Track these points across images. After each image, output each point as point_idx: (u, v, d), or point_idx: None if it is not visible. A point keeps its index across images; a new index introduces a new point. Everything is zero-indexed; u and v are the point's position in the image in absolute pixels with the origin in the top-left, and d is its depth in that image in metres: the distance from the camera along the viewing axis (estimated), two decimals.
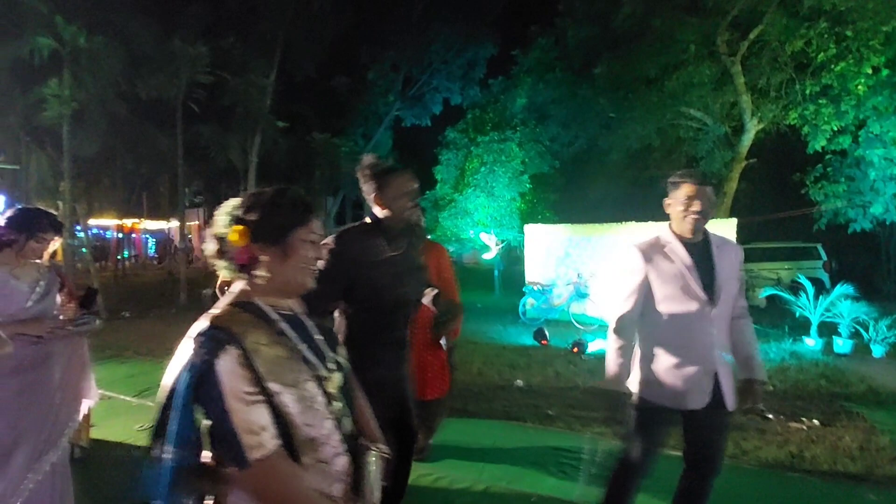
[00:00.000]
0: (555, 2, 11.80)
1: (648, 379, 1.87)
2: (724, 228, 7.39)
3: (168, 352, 1.01)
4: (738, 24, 9.08)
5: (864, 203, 8.79)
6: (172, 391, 0.85)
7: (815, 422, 3.76)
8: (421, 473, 2.74)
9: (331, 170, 15.23)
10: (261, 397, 0.85)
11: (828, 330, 6.31)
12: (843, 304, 6.13)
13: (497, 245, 11.47)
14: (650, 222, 8.03)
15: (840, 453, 3.20)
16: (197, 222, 22.82)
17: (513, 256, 13.55)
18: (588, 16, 10.76)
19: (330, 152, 14.87)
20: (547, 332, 6.58)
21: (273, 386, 0.86)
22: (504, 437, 3.44)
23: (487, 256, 11.69)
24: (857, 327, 6.11)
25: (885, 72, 7.70)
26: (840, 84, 7.88)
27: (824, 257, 11.02)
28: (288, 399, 0.88)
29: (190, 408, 0.83)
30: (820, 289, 6.71)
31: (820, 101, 8.30)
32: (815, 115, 8.31)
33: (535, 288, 8.39)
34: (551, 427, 3.64)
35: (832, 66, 7.83)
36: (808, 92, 8.37)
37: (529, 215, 10.92)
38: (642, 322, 1.89)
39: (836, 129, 8.32)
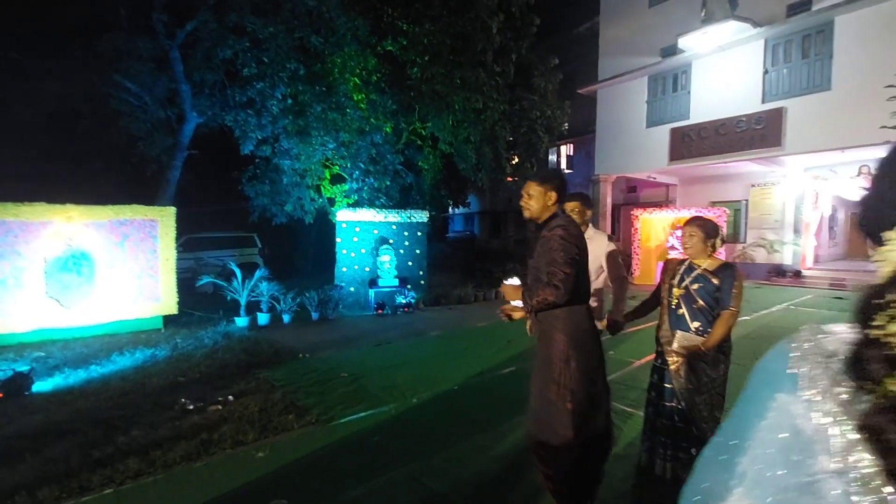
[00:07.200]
0: None
1: None
2: (162, 217, 7.08)
3: None
4: (178, 10, 8.89)
5: (281, 202, 11.07)
6: None
7: (231, 398, 4.17)
8: None
9: None
10: None
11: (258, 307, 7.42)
12: (262, 285, 7.40)
13: None
14: (69, 205, 6.47)
15: (244, 422, 3.64)
16: None
17: None
18: None
19: None
20: None
21: None
22: None
23: None
24: (274, 302, 7.57)
25: (290, 101, 9.88)
26: (261, 100, 9.36)
27: (260, 245, 13.19)
28: None
29: None
30: (256, 272, 7.71)
31: (248, 111, 9.55)
32: (244, 122, 9.47)
33: None
34: None
35: (254, 83, 9.14)
36: (237, 99, 9.39)
37: None
38: None
39: (260, 138, 9.88)
